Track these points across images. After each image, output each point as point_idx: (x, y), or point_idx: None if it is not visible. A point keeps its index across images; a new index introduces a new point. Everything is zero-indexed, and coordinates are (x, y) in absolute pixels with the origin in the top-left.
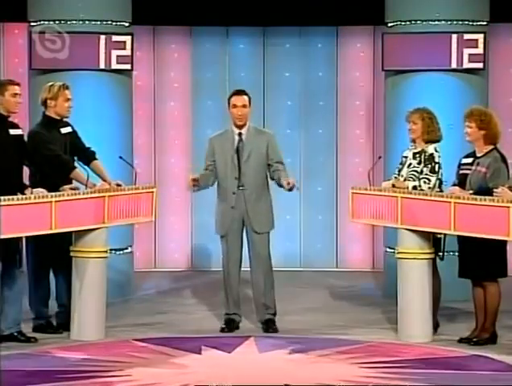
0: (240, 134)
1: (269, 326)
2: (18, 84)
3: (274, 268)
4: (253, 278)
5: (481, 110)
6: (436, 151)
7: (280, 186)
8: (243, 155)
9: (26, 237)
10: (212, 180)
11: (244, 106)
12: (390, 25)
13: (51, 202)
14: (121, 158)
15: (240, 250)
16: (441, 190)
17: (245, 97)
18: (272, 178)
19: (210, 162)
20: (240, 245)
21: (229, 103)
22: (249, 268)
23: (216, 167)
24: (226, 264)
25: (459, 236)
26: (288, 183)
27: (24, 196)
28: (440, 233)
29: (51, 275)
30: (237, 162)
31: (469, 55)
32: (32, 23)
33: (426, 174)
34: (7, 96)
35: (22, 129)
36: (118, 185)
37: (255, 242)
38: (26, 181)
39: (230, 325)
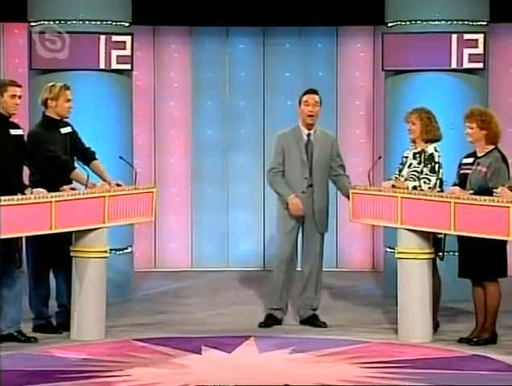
0: (308, 135)
1: (316, 320)
2: (19, 86)
3: (273, 268)
4: (305, 276)
5: (481, 110)
6: (436, 151)
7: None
8: (314, 156)
9: (26, 237)
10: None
11: (316, 104)
12: (390, 25)
13: (51, 202)
14: (121, 158)
15: (297, 247)
16: (442, 190)
17: (317, 97)
18: (333, 182)
19: (280, 160)
20: (297, 243)
21: (300, 101)
22: (247, 268)
23: (284, 165)
24: (285, 259)
25: (459, 236)
26: None
27: (24, 196)
28: (440, 233)
29: (51, 275)
30: (306, 161)
31: (469, 55)
32: (32, 23)
33: (426, 174)
34: (5, 97)
35: (22, 129)
36: (118, 185)
37: (315, 241)
38: (26, 181)
39: (270, 320)
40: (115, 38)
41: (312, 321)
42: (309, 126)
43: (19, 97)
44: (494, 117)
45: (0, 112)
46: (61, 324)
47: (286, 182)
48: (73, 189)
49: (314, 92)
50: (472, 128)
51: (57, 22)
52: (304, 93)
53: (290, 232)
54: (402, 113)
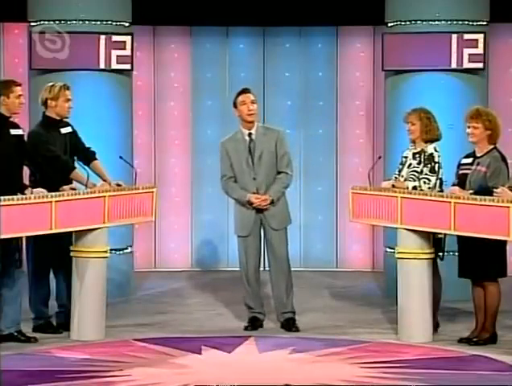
0: (250, 134)
1: (291, 325)
2: (20, 85)
3: None
4: (273, 277)
5: (487, 111)
6: (436, 151)
7: None
8: (256, 154)
9: (27, 237)
10: None
11: (253, 102)
12: (390, 25)
13: (51, 202)
14: (121, 158)
15: (259, 250)
16: (442, 190)
17: (252, 95)
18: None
19: (228, 166)
20: (259, 245)
21: (235, 104)
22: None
23: (233, 170)
24: (245, 264)
25: (459, 236)
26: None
27: (24, 196)
28: (440, 233)
29: (51, 275)
30: (251, 162)
31: (469, 55)
32: (32, 23)
33: (426, 174)
34: (12, 98)
35: (22, 129)
36: (118, 185)
37: (273, 240)
38: (26, 181)
39: (254, 323)
40: (115, 38)
41: (287, 325)
42: (249, 126)
43: (23, 96)
44: (496, 116)
45: (0, 112)
46: (61, 324)
47: (238, 185)
48: (73, 189)
49: (248, 91)
50: (477, 128)
51: (57, 22)
52: (238, 94)
53: (247, 236)
54: (402, 113)
